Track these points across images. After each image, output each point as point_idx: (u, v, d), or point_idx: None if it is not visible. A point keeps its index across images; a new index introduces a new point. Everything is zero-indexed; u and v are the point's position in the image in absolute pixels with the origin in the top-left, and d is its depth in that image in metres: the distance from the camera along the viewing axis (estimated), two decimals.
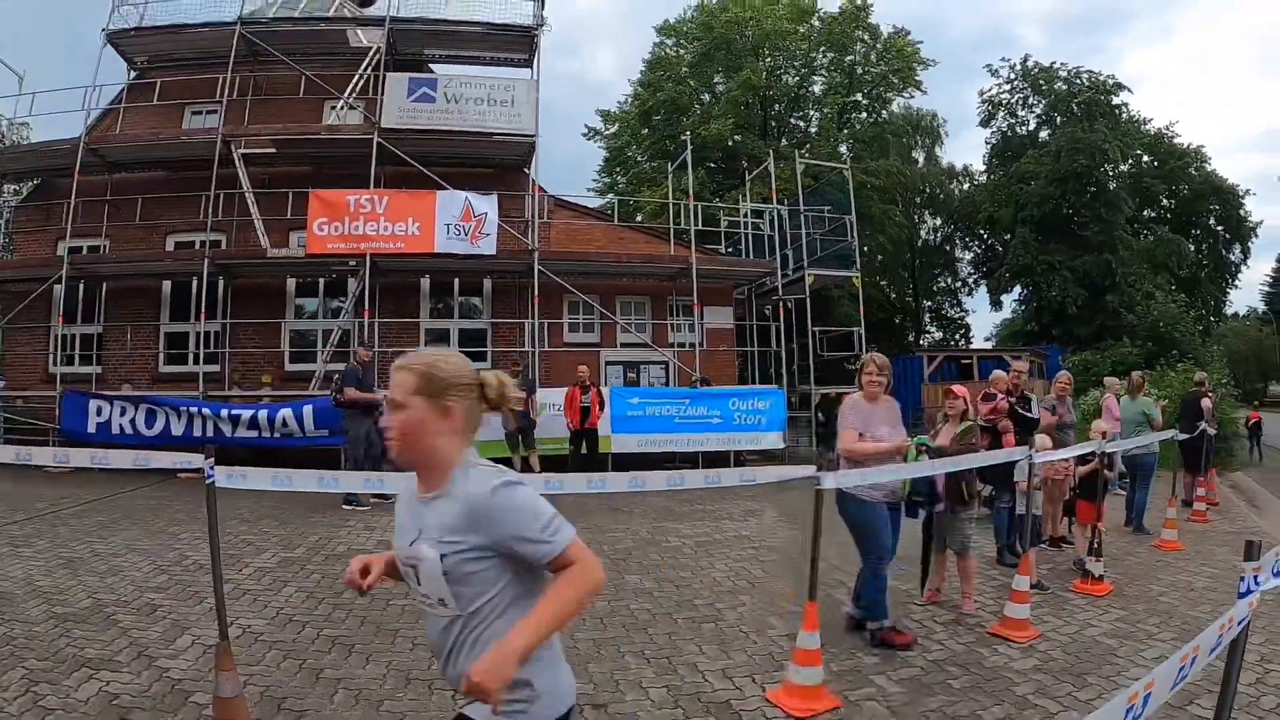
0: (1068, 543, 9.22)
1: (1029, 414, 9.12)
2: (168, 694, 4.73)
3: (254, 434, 14.08)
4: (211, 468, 4.19)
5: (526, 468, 13.29)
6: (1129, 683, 4.92)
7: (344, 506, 10.85)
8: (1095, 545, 7.84)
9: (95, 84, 17.04)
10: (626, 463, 14.40)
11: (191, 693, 4.75)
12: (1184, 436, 12.06)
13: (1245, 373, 55.79)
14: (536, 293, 16.35)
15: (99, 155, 16.78)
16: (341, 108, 17.14)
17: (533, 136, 17.00)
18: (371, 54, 16.94)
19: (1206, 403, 12.68)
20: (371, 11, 19.58)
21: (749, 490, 12.37)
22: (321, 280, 17.65)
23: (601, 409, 14.36)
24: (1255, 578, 2.70)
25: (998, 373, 9.47)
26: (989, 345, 46.17)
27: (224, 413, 14.25)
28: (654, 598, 7.06)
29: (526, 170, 18.10)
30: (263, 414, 14.12)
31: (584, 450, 13.98)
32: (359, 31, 18.30)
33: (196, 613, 6.20)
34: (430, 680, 5.02)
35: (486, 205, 15.92)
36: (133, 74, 18.46)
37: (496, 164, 18.14)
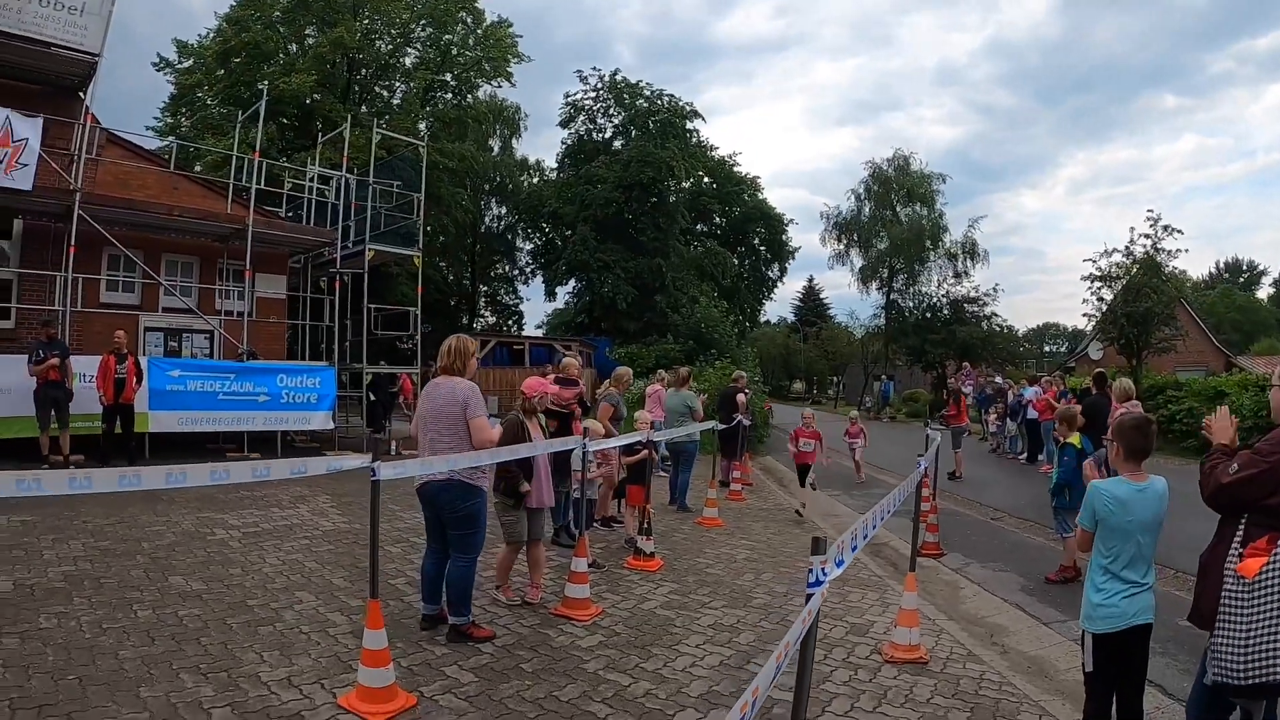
0: (618, 522, 10.19)
1: (587, 402, 9.93)
2: None
3: None
4: None
5: (55, 449, 12.10)
6: (691, 650, 5.94)
7: None
8: (645, 525, 8.78)
9: None
10: (165, 442, 13.59)
11: None
12: (722, 426, 13.72)
13: (774, 372, 64.10)
14: (74, 241, 14.31)
15: None
16: None
17: (96, 56, 14.75)
18: None
19: (741, 397, 14.47)
20: None
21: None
22: None
23: (139, 382, 13.32)
24: (823, 569, 2.98)
25: (569, 359, 10.14)
26: (540, 333, 48.50)
27: None
28: (204, 601, 6.66)
29: (82, 95, 15.62)
30: None
31: (119, 429, 12.93)
32: None
33: None
34: None
35: (30, 130, 13.60)
36: None
37: (48, 81, 15.58)
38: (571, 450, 7.80)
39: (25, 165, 13.61)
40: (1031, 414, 19.23)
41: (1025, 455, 20.14)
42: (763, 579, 8.35)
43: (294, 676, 5.20)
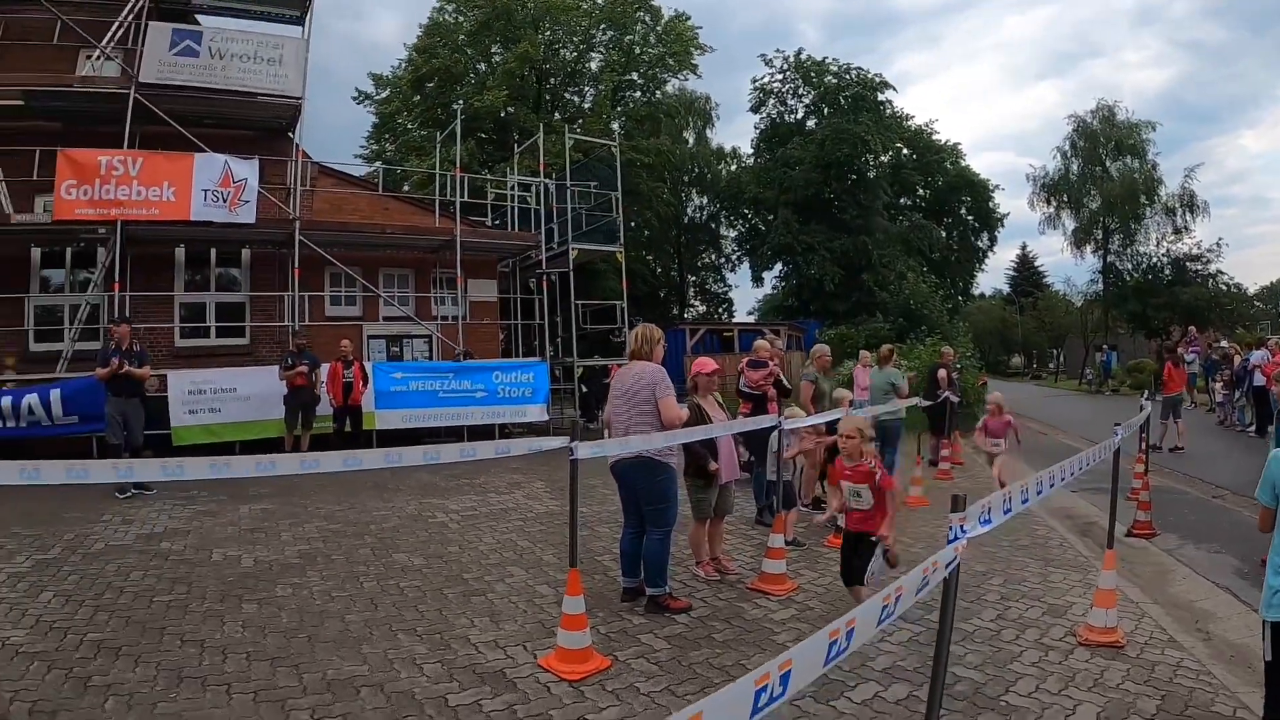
0: (824, 503, 9.85)
1: (786, 384, 9.82)
2: None
3: None
4: None
5: (296, 447, 13.16)
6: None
7: (117, 495, 10.43)
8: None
9: None
10: (391, 439, 14.38)
11: None
12: (927, 403, 13.39)
13: (991, 346, 61.21)
14: (298, 264, 15.75)
15: None
16: (98, 57, 15.57)
17: (299, 100, 16.23)
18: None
19: (942, 373, 13.98)
20: None
21: (513, 462, 12.72)
22: (69, 250, 16.15)
23: (365, 385, 14.27)
24: (961, 526, 3.10)
25: (760, 342, 9.98)
26: (751, 319, 48.37)
27: None
28: (423, 574, 7.22)
29: (291, 134, 17.27)
30: (6, 401, 12.62)
31: (348, 428, 13.90)
32: None
33: None
34: (203, 677, 4.90)
35: (247, 170, 15.18)
36: None
37: (259, 126, 17.31)
38: (769, 430, 7.92)
39: (247, 202, 15.15)
40: (1259, 380, 17.24)
41: (1254, 427, 18.09)
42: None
43: (500, 640, 5.61)
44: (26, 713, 4.40)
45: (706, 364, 7.36)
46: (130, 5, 15.46)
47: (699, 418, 6.81)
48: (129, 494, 10.56)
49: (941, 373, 14.01)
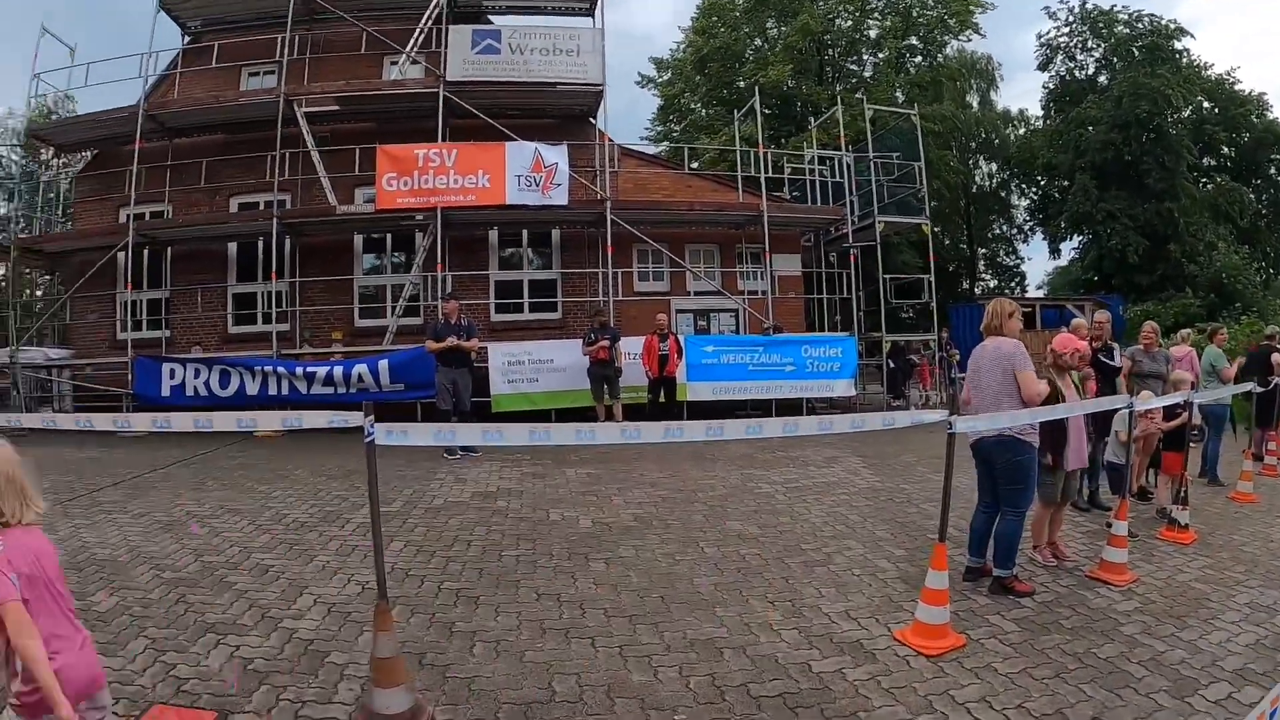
0: (1150, 493, 9.17)
1: (1111, 362, 8.97)
2: (302, 655, 4.64)
3: (329, 390, 14.16)
4: (372, 425, 4.07)
5: (609, 416, 13.36)
6: (1227, 626, 5.48)
7: (445, 456, 11.08)
8: (1182, 494, 7.89)
9: (150, 50, 16.63)
10: (701, 411, 14.33)
11: (327, 653, 4.66)
12: (1260, 389, 11.44)
13: None
14: (610, 242, 16.06)
15: (158, 121, 16.67)
16: (403, 62, 16.77)
17: (600, 86, 16.59)
18: (432, 7, 16.41)
19: (1277, 357, 11.95)
20: None
21: (827, 436, 12.34)
22: (389, 236, 17.60)
23: (680, 357, 14.27)
24: None
25: (1078, 320, 9.08)
26: (1042, 293, 45.11)
27: (299, 370, 14.41)
28: (760, 543, 7.09)
29: (592, 120, 17.83)
30: (338, 370, 14.21)
31: (662, 399, 13.94)
32: None
33: (310, 571, 6.12)
34: (566, 629, 5.07)
35: (557, 156, 15.67)
36: (187, 39, 18.28)
37: (560, 114, 17.88)
38: (1108, 412, 7.67)
39: (559, 185, 15.62)
40: None
41: None
42: None
43: (850, 610, 5.57)
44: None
45: (1072, 340, 7.02)
46: (429, 12, 16.48)
47: (1057, 396, 6.47)
48: (457, 455, 11.13)
49: (1277, 356, 11.79)
